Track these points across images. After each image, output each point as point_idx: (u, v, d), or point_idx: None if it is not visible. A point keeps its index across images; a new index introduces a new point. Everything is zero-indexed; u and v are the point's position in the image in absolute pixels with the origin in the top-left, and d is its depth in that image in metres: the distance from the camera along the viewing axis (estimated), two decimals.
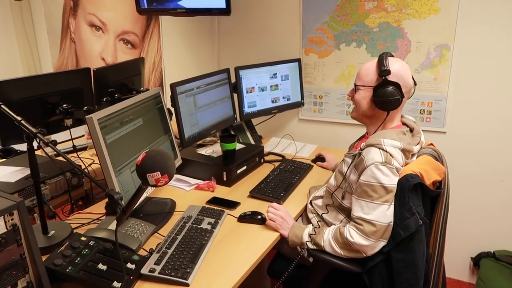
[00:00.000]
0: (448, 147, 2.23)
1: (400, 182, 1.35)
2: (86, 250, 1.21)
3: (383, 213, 1.34)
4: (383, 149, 1.36)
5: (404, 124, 1.55)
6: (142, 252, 1.34)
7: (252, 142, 2.38)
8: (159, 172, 0.99)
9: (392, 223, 1.35)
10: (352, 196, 1.43)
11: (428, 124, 2.30)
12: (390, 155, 1.35)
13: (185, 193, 1.82)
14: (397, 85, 1.40)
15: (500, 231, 2.30)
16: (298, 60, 2.47)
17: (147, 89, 2.12)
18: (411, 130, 1.52)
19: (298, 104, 2.53)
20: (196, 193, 1.82)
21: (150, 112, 1.60)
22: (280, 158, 2.23)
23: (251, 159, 2.04)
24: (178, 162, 1.80)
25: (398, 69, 1.42)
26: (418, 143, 1.46)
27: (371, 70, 1.46)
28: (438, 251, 1.52)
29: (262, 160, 2.16)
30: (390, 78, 1.41)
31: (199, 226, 1.46)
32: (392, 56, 1.47)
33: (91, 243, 1.25)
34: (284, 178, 1.92)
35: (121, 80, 2.22)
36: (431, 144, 1.58)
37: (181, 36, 2.91)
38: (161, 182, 1.00)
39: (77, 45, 3.27)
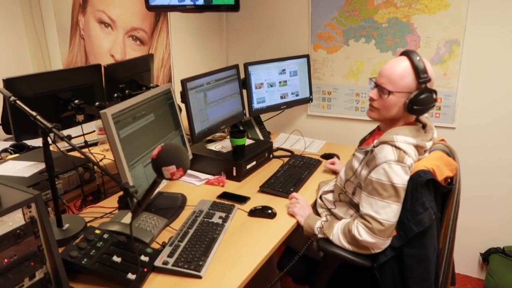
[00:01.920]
0: (458, 142, 2.22)
1: (412, 178, 1.35)
2: (101, 243, 1.23)
3: (392, 212, 1.34)
4: (396, 146, 1.35)
5: (417, 120, 1.54)
6: (155, 245, 1.35)
7: (261, 137, 2.39)
8: (174, 166, 1.00)
9: (396, 223, 1.35)
10: (362, 192, 1.44)
11: (437, 119, 2.30)
12: (404, 151, 1.34)
13: (196, 188, 1.84)
14: (435, 92, 1.39)
15: (510, 227, 2.30)
16: (307, 56, 2.47)
17: (157, 85, 2.14)
18: (424, 126, 1.52)
19: (307, 100, 2.53)
20: (206, 188, 1.83)
21: (161, 108, 1.62)
22: (289, 153, 2.24)
23: (260, 155, 2.05)
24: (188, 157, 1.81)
25: (432, 73, 1.40)
26: (430, 139, 1.46)
27: (407, 73, 1.38)
28: (449, 246, 1.52)
29: (271, 156, 2.17)
30: (429, 84, 1.39)
31: (210, 220, 1.48)
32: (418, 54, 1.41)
33: (105, 236, 1.26)
34: (294, 174, 1.93)
35: (131, 76, 2.24)
36: (443, 140, 1.58)
37: (190, 33, 2.93)
38: (176, 175, 1.02)
39: (86, 42, 3.30)
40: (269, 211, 1.58)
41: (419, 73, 1.36)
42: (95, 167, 1.77)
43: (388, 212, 1.34)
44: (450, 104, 2.25)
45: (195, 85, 1.86)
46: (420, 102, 1.37)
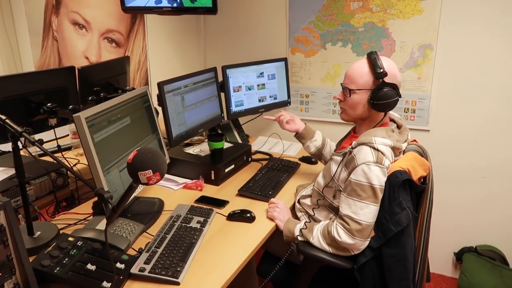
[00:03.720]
0: (432, 145, 2.25)
1: (389, 179, 1.36)
2: (74, 251, 1.19)
3: (370, 213, 1.35)
4: (374, 148, 1.37)
5: (391, 120, 1.57)
6: (131, 252, 1.32)
7: (239, 141, 2.38)
8: (150, 170, 0.98)
9: (374, 223, 1.37)
10: (341, 194, 1.45)
11: (412, 122, 2.34)
12: (382, 153, 1.36)
13: (173, 192, 1.81)
14: (394, 86, 1.42)
15: (482, 226, 2.36)
16: (285, 59, 2.47)
17: (133, 88, 2.10)
18: (398, 127, 1.55)
19: (285, 103, 2.54)
20: (184, 192, 1.81)
21: (138, 111, 1.59)
22: (267, 156, 2.24)
23: (238, 158, 2.04)
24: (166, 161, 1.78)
25: (390, 68, 1.43)
26: (405, 140, 1.49)
27: (365, 71, 1.44)
28: (423, 245, 1.55)
29: (249, 159, 2.16)
30: (386, 79, 1.41)
31: (188, 225, 1.45)
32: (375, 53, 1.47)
33: (79, 243, 1.23)
34: (272, 177, 1.92)
35: (106, 79, 2.20)
36: (415, 140, 1.61)
37: (167, 35, 2.89)
38: (153, 180, 1.00)
39: (59, 44, 3.21)
40: (248, 215, 1.56)
41: (375, 68, 1.41)
42: (68, 172, 1.72)
43: (366, 213, 1.35)
44: (424, 107, 2.30)
45: (173, 88, 1.84)
46: (380, 97, 1.41)
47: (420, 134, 2.33)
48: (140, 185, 1.05)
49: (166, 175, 1.92)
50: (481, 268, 2.24)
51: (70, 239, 1.24)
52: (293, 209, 1.73)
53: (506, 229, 2.31)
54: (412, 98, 2.32)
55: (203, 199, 1.72)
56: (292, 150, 2.36)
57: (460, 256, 2.40)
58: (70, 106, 1.75)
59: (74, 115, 1.21)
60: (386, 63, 1.43)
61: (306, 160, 2.18)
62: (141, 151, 1.00)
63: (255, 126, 2.67)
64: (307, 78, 2.56)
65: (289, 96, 2.53)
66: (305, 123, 1.90)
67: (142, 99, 1.64)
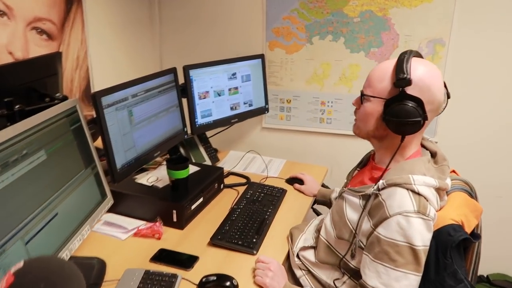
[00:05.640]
0: None
1: (437, 236, 0.98)
2: None
3: (410, 286, 0.96)
4: (414, 191, 0.97)
5: (422, 146, 1.15)
6: None
7: (207, 159, 1.91)
8: None
9: None
10: (363, 253, 1.03)
11: None
12: (425, 198, 0.97)
13: (121, 245, 1.32)
14: (418, 101, 0.99)
15: (494, 253, 2.03)
16: (261, 56, 2.03)
17: (65, 97, 1.57)
18: (432, 155, 1.14)
19: (262, 110, 2.08)
20: (136, 243, 1.32)
21: (60, 139, 1.07)
22: (244, 180, 1.79)
23: (208, 187, 1.57)
24: (108, 203, 1.27)
25: (423, 77, 1.00)
26: (448, 176, 1.08)
27: (387, 75, 1.04)
28: None
29: (221, 186, 1.70)
30: (410, 90, 0.99)
31: None
32: (420, 55, 1.06)
33: None
34: (254, 213, 1.48)
35: (28, 83, 1.65)
36: (453, 171, 1.20)
37: (112, 25, 2.35)
38: None
39: None
40: (228, 283, 1.11)
41: (397, 72, 1.00)
42: None
43: (404, 286, 0.95)
44: None
45: (115, 99, 1.32)
46: (393, 112, 1.00)
47: None
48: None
49: (111, 217, 1.43)
50: None
51: None
52: (287, 261, 1.30)
53: None
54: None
55: (162, 256, 1.26)
56: (273, 169, 1.93)
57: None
58: None
59: None
60: (420, 69, 1.01)
61: (294, 181, 1.78)
62: (25, 276, 0.49)
63: (225, 138, 2.21)
64: (288, 80, 2.14)
65: (267, 102, 2.08)
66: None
67: (67, 120, 1.12)
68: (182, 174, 1.45)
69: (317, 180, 1.77)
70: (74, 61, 2.42)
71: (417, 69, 1.00)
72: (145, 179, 1.54)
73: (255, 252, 1.28)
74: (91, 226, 1.15)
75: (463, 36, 1.85)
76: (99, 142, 1.34)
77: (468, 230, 1.02)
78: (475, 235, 1.09)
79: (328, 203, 1.62)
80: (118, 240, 1.34)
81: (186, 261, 1.23)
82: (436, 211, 1.00)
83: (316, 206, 1.73)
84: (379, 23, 1.90)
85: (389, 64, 1.05)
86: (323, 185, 1.81)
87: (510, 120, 1.89)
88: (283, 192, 1.68)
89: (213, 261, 1.24)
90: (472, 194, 1.14)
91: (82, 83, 2.40)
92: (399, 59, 1.01)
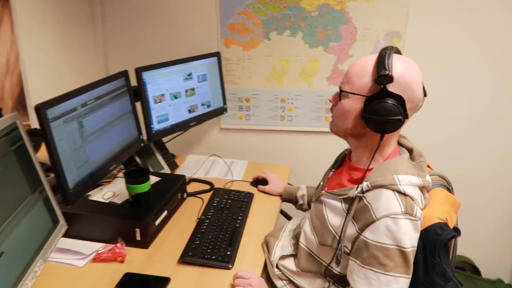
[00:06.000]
0: None
1: (425, 236, 0.96)
2: None
3: None
4: (400, 192, 0.93)
5: (399, 144, 1.13)
6: None
7: (165, 167, 1.78)
8: None
9: None
10: (350, 259, 0.98)
11: None
12: (411, 198, 0.94)
13: (79, 273, 1.17)
14: (399, 99, 0.95)
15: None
16: (217, 54, 1.91)
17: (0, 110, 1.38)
18: (409, 152, 1.11)
19: (221, 111, 1.98)
20: (96, 270, 1.18)
21: None
22: (208, 186, 1.69)
23: (172, 198, 1.45)
24: (61, 229, 1.11)
25: (404, 74, 0.96)
26: (426, 172, 1.06)
27: (367, 71, 0.99)
28: None
29: (185, 195, 1.58)
30: (392, 87, 0.95)
31: None
32: (399, 52, 1.02)
33: None
34: (224, 223, 1.39)
35: None
36: (428, 166, 1.19)
37: (47, 24, 2.09)
38: None
39: None
40: None
41: (378, 68, 0.95)
42: None
43: None
44: None
45: (62, 111, 1.15)
46: (373, 110, 0.96)
47: None
48: None
49: (64, 243, 1.26)
50: None
51: None
52: (265, 272, 1.22)
53: (471, 235, 2.06)
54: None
55: (129, 281, 1.13)
56: (236, 171, 1.85)
57: None
58: None
59: None
60: (401, 66, 0.96)
61: (258, 182, 1.71)
62: None
63: (182, 142, 2.08)
64: (246, 77, 2.03)
65: (225, 102, 1.97)
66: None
67: (6, 139, 0.95)
68: (143, 188, 1.32)
69: (282, 179, 1.72)
70: (4, 66, 2.15)
71: (398, 66, 0.96)
72: (100, 195, 1.39)
73: (230, 266, 1.19)
74: (44, 260, 0.99)
75: (418, 28, 1.83)
76: (41, 155, 1.17)
77: (451, 226, 1.01)
78: (457, 230, 1.08)
79: (294, 201, 1.56)
80: (75, 269, 1.18)
81: (156, 284, 1.12)
82: (421, 210, 0.97)
83: (284, 206, 1.67)
84: (337, 16, 1.84)
85: (369, 60, 0.99)
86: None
87: (468, 110, 1.92)
88: (250, 196, 1.60)
89: (187, 281, 1.13)
90: (449, 188, 1.13)
91: (15, 90, 2.14)
92: (380, 55, 0.96)
